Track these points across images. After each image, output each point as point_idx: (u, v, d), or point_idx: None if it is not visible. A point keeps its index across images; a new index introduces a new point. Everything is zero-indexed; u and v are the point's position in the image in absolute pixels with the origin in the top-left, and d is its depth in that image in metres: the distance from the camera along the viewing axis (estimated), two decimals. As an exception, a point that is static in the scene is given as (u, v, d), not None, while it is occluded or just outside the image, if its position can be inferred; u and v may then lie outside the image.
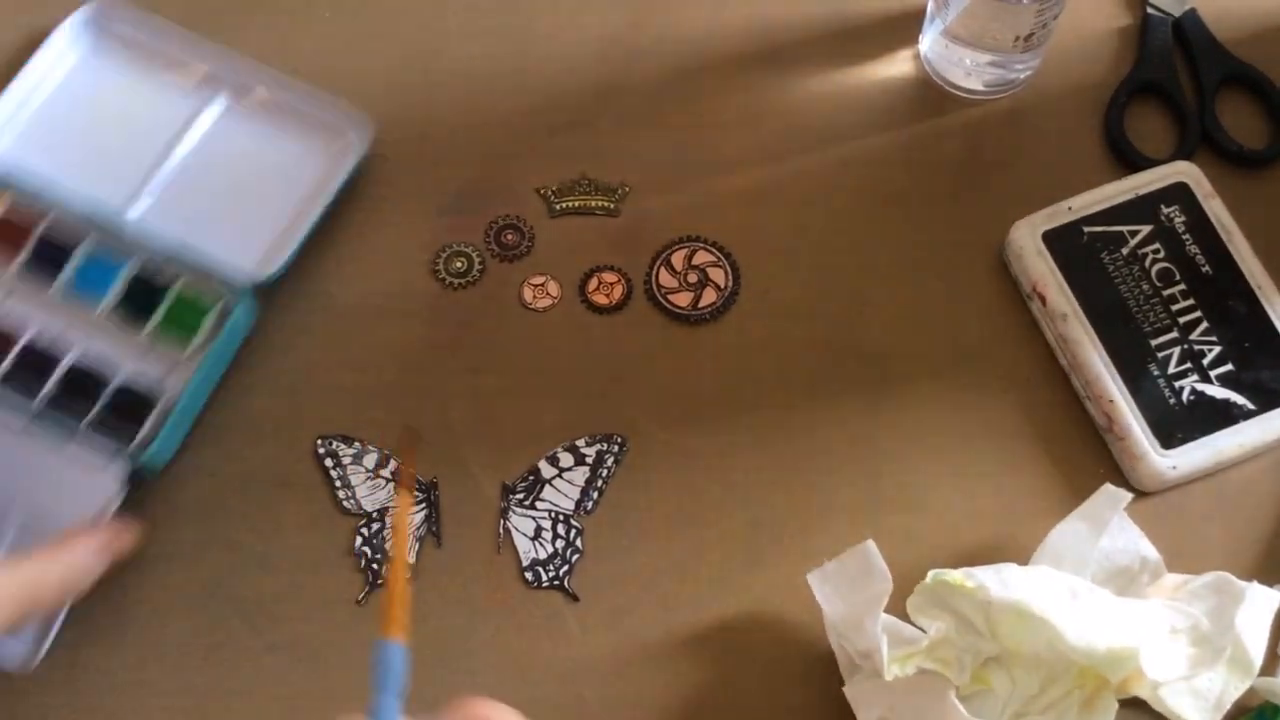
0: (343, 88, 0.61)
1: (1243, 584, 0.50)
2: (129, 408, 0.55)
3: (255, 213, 0.59)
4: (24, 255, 0.58)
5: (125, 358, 0.57)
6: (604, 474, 0.55)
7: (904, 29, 0.63)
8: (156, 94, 0.61)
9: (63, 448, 0.54)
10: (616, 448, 0.56)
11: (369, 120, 0.59)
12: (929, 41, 0.61)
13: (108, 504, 0.53)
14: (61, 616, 0.53)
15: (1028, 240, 0.57)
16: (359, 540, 0.55)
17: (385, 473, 0.56)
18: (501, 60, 0.63)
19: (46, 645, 0.52)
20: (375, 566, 0.54)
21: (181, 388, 0.55)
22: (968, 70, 0.60)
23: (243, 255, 0.57)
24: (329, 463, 0.56)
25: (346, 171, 0.59)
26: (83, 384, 0.56)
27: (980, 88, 0.61)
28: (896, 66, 0.63)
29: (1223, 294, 0.56)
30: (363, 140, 0.59)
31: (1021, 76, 0.61)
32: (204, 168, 0.60)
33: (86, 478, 0.54)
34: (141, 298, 0.57)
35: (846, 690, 0.50)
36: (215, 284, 0.57)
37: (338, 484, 0.56)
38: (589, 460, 0.56)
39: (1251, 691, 0.51)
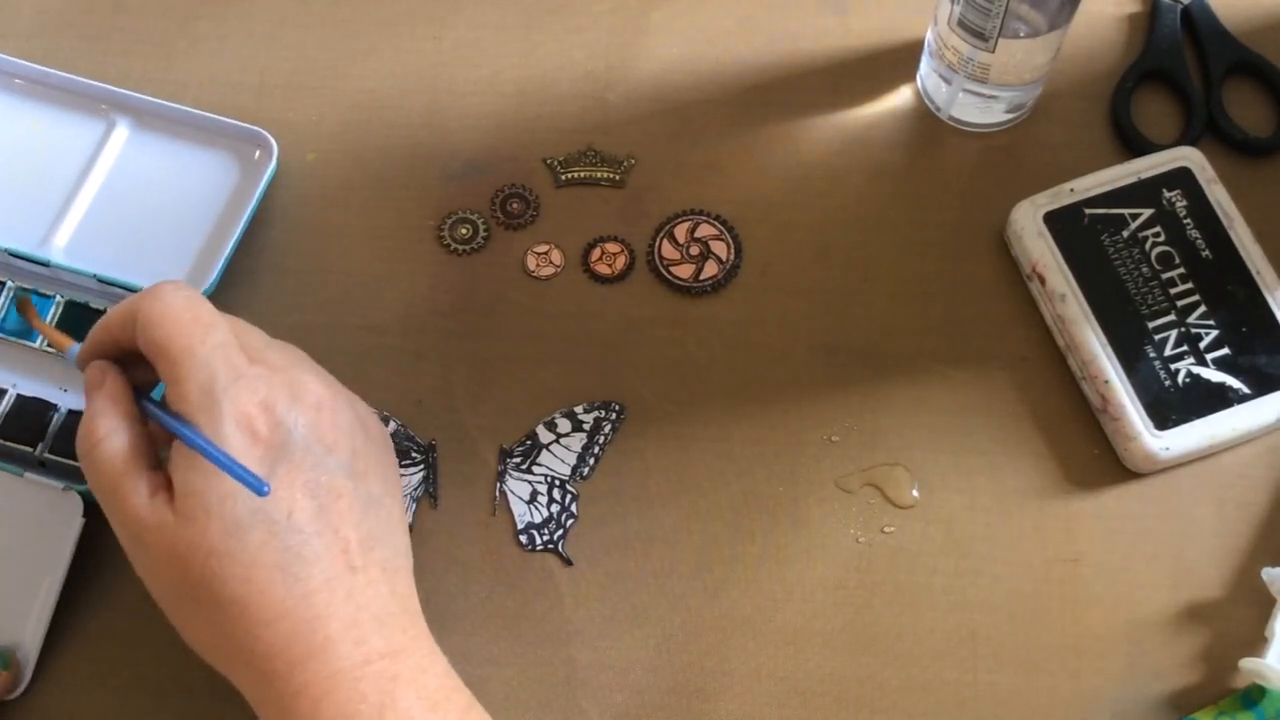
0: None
1: None
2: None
3: (177, 233, 0.59)
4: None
5: (70, 385, 0.57)
6: (601, 441, 0.56)
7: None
8: (59, 130, 0.61)
9: (18, 481, 0.54)
10: (614, 415, 0.56)
11: (271, 136, 0.60)
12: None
13: (69, 534, 0.53)
14: (41, 640, 0.53)
15: (1029, 221, 0.57)
16: (357, 500, 0.55)
17: (385, 434, 0.56)
18: (512, 31, 0.64)
19: (29, 672, 0.53)
20: (372, 526, 0.55)
21: None
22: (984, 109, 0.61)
23: (169, 276, 0.57)
24: (329, 423, 0.56)
25: (262, 185, 0.59)
26: (31, 416, 0.56)
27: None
28: (903, 49, 0.63)
29: (1222, 279, 0.56)
30: (269, 155, 0.60)
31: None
32: (118, 196, 0.60)
33: (45, 511, 0.54)
34: (76, 326, 0.57)
35: None
36: None
37: (337, 444, 0.56)
38: (586, 427, 0.56)
39: (1238, 673, 0.52)
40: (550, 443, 0.56)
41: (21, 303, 0.56)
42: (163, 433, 0.47)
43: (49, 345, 0.57)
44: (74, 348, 0.49)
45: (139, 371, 0.48)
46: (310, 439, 0.45)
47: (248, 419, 0.44)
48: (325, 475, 0.45)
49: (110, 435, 0.45)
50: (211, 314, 0.45)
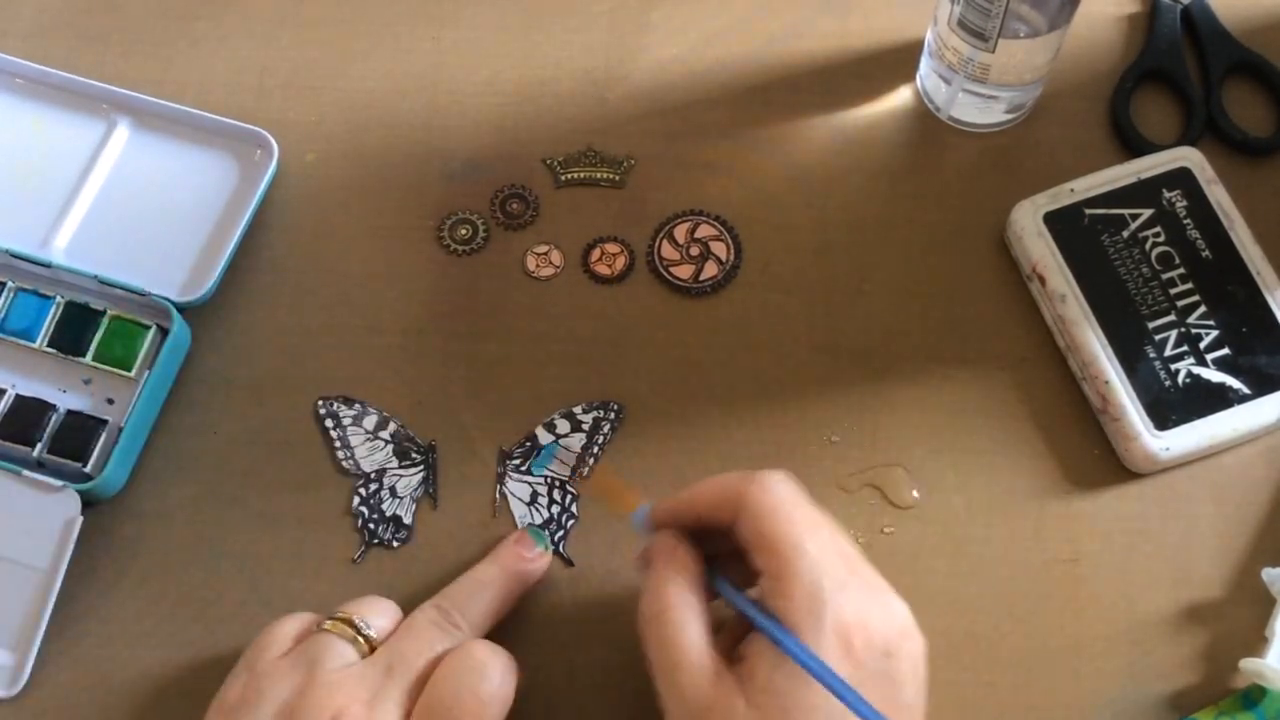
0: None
1: None
2: (77, 436, 0.55)
3: (177, 234, 0.59)
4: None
5: (69, 387, 0.57)
6: (600, 441, 0.56)
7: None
8: (59, 130, 0.61)
9: (17, 480, 0.54)
10: (613, 415, 0.56)
11: (271, 136, 0.60)
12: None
13: (66, 532, 0.53)
14: (40, 638, 0.53)
15: (1029, 221, 0.57)
16: (356, 500, 0.55)
17: (385, 434, 0.56)
18: (512, 31, 0.64)
19: (28, 671, 0.53)
20: (372, 526, 0.55)
21: (128, 412, 0.55)
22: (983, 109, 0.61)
23: (170, 276, 0.58)
24: (329, 423, 0.56)
25: (262, 186, 0.59)
26: (29, 416, 0.55)
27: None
28: (903, 49, 0.63)
29: (1222, 279, 0.56)
30: (269, 155, 0.60)
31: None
32: (119, 196, 0.60)
33: (42, 509, 0.54)
34: (76, 327, 0.57)
35: None
36: (147, 308, 0.57)
37: (337, 444, 0.56)
38: (585, 427, 0.56)
39: (1238, 673, 0.52)
40: (549, 444, 0.56)
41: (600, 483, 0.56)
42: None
43: (48, 346, 0.57)
44: (642, 509, 0.49)
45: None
46: (891, 669, 0.43)
47: (846, 631, 0.42)
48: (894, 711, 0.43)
49: (677, 608, 0.44)
50: (816, 511, 0.45)
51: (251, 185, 0.60)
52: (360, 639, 0.47)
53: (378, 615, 0.48)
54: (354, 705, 0.44)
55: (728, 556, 0.46)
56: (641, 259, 0.59)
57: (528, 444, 0.56)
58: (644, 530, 0.49)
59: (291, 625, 0.49)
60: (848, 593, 0.43)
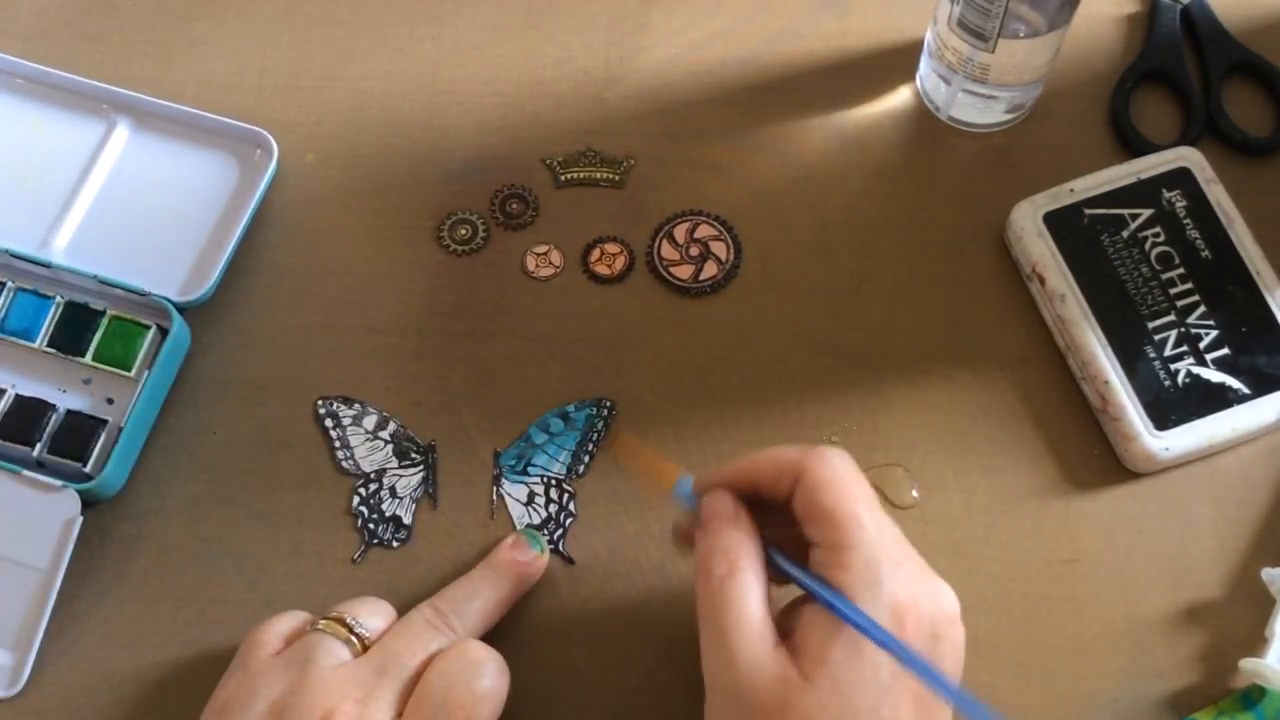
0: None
1: None
2: (77, 436, 0.55)
3: (177, 234, 0.59)
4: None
5: (68, 386, 0.57)
6: (594, 437, 0.56)
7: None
8: (59, 130, 0.61)
9: (17, 480, 0.54)
10: (605, 412, 0.56)
11: (271, 136, 0.60)
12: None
13: (66, 531, 0.53)
14: (40, 638, 0.53)
15: (1028, 221, 0.57)
16: (356, 500, 0.55)
17: (384, 434, 0.56)
18: (511, 31, 0.64)
19: (28, 671, 0.53)
20: (371, 526, 0.55)
21: (128, 412, 0.55)
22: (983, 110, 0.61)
23: (170, 276, 0.58)
24: (329, 423, 0.56)
25: (262, 186, 0.59)
26: (29, 416, 0.55)
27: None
28: (903, 49, 0.63)
29: (1221, 279, 0.56)
30: (269, 155, 0.60)
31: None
32: (119, 196, 0.60)
33: (42, 509, 0.54)
34: (76, 327, 0.57)
35: None
36: (146, 308, 0.57)
37: (337, 444, 0.56)
38: (579, 425, 0.56)
39: (1238, 673, 0.52)
40: (544, 443, 0.56)
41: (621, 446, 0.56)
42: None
43: (48, 346, 0.57)
44: (686, 480, 0.48)
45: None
46: (936, 653, 0.43)
47: (900, 608, 0.42)
48: (930, 694, 0.43)
49: (745, 571, 0.44)
50: (872, 491, 0.45)
51: (251, 185, 0.60)
52: (353, 638, 0.47)
53: (371, 615, 0.48)
54: (346, 703, 0.44)
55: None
56: (641, 259, 0.59)
57: (522, 444, 0.56)
58: (690, 502, 0.48)
59: (283, 624, 0.49)
60: (904, 571, 0.43)
